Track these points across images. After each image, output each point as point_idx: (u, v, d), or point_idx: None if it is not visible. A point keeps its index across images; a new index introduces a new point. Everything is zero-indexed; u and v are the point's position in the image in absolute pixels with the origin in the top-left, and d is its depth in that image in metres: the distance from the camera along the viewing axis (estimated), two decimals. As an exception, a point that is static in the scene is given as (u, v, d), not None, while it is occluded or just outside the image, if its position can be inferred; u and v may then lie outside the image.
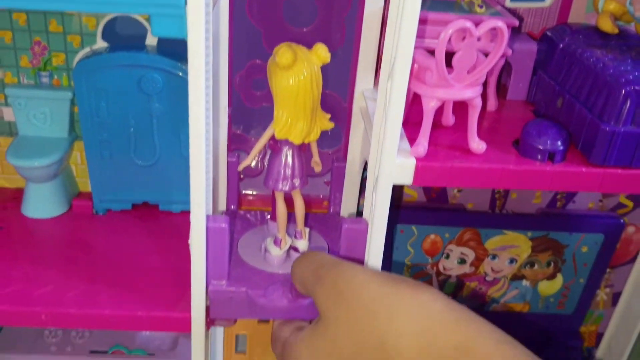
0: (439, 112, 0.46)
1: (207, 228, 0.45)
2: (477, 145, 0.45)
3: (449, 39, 0.40)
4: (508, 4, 0.57)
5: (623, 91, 0.43)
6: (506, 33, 0.40)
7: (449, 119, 0.49)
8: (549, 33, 0.55)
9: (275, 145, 0.49)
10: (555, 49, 0.52)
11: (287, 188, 0.48)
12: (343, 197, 0.59)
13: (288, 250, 0.52)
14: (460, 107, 0.47)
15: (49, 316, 0.48)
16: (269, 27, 0.54)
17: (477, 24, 0.41)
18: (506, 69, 0.56)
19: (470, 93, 0.43)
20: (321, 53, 0.43)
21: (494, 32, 0.43)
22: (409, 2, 0.38)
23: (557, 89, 0.50)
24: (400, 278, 0.37)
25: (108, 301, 0.50)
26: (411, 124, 0.46)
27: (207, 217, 0.45)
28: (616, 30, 0.52)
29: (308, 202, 0.53)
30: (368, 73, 0.55)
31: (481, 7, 0.50)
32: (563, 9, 0.58)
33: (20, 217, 0.60)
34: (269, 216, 0.57)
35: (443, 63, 0.41)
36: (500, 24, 0.40)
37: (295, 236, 0.52)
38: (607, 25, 0.52)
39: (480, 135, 0.45)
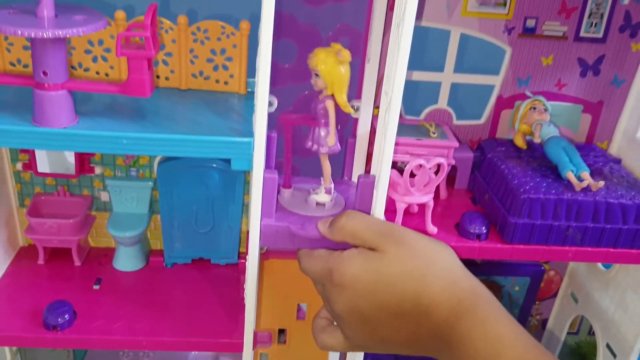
0: (408, 206, 0.71)
1: (263, 178, 0.59)
2: (431, 228, 0.69)
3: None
4: (455, 122, 0.82)
5: (522, 197, 0.67)
6: (446, 167, 0.64)
7: (414, 209, 0.73)
8: (482, 144, 0.80)
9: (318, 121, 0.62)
10: (485, 157, 0.77)
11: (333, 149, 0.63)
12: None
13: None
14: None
15: (149, 342, 0.71)
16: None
17: (429, 148, 0.67)
18: (454, 167, 0.80)
19: (426, 199, 0.67)
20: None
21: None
22: (387, 148, 0.62)
23: (485, 186, 0.75)
24: (436, 240, 0.56)
25: (186, 330, 0.72)
26: (389, 211, 0.70)
27: (264, 170, 0.60)
28: (525, 147, 0.77)
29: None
30: (360, 166, 0.78)
31: (434, 133, 0.75)
32: (493, 125, 0.82)
33: (113, 270, 0.82)
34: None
35: (407, 182, 0.65)
36: (442, 160, 0.64)
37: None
38: (519, 142, 0.78)
39: (433, 220, 0.70)
